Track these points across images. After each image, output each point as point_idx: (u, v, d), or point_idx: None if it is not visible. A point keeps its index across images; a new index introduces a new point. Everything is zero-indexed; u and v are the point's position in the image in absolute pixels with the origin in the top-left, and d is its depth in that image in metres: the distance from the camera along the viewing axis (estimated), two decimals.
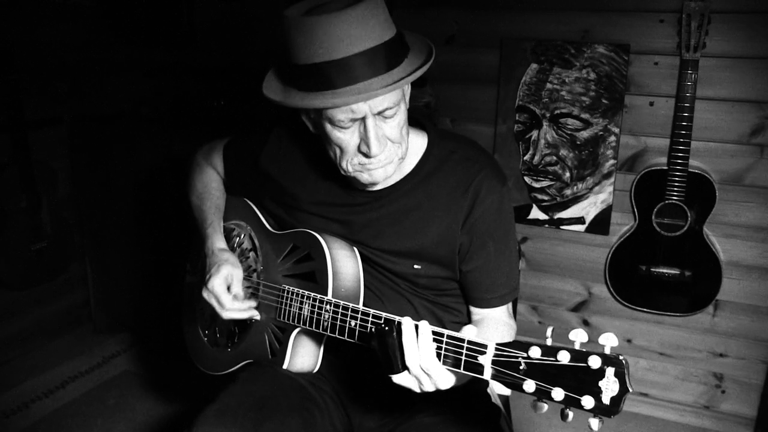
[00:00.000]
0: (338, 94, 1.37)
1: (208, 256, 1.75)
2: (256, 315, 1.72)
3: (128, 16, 3.42)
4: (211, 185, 1.94)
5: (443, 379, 1.32)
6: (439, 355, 1.31)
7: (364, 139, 1.44)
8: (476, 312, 1.72)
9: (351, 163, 1.50)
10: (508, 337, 1.66)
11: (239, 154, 1.90)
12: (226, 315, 1.68)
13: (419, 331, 1.31)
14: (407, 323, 1.32)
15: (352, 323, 1.49)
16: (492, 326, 1.66)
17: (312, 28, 1.35)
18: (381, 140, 1.45)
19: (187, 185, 1.98)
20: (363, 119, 1.42)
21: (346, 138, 1.46)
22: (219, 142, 1.98)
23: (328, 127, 1.46)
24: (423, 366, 1.30)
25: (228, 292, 1.67)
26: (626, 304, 2.94)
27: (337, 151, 1.50)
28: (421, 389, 1.35)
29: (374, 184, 1.56)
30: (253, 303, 1.72)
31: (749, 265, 2.78)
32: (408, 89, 1.57)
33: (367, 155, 1.46)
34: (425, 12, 3.03)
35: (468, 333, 1.29)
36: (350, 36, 1.34)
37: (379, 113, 1.42)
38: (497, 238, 1.63)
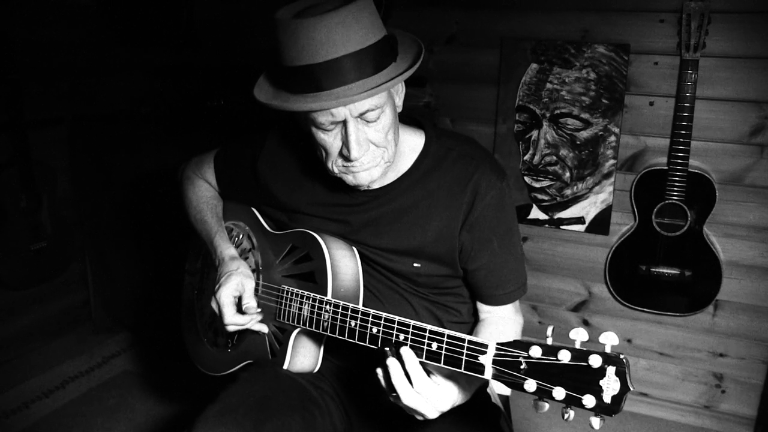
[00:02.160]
0: (318, 97, 1.38)
1: (220, 265, 1.74)
2: (264, 329, 1.72)
3: (128, 16, 3.42)
4: (206, 195, 1.94)
5: (443, 399, 1.36)
6: (439, 356, 1.31)
7: (345, 142, 1.45)
8: (484, 309, 1.72)
9: (336, 165, 1.51)
10: (515, 335, 1.67)
11: (232, 164, 1.90)
12: (227, 329, 1.69)
13: (405, 360, 1.34)
14: (392, 364, 1.35)
15: (352, 323, 1.49)
16: (500, 324, 1.67)
17: (298, 30, 1.36)
18: (362, 144, 1.45)
19: (182, 201, 1.98)
20: (344, 122, 1.43)
21: (329, 140, 1.47)
22: (207, 154, 1.98)
23: (313, 129, 1.48)
24: (419, 392, 1.34)
25: (233, 305, 1.67)
26: (626, 304, 2.94)
27: (322, 152, 1.52)
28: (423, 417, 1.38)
29: (360, 186, 1.56)
30: (256, 318, 1.71)
31: (749, 265, 2.78)
32: (400, 92, 1.57)
33: (347, 158, 1.47)
34: (425, 12, 3.03)
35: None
36: (334, 39, 1.35)
37: (361, 116, 1.43)
38: (500, 234, 1.63)
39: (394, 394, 1.35)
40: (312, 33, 1.34)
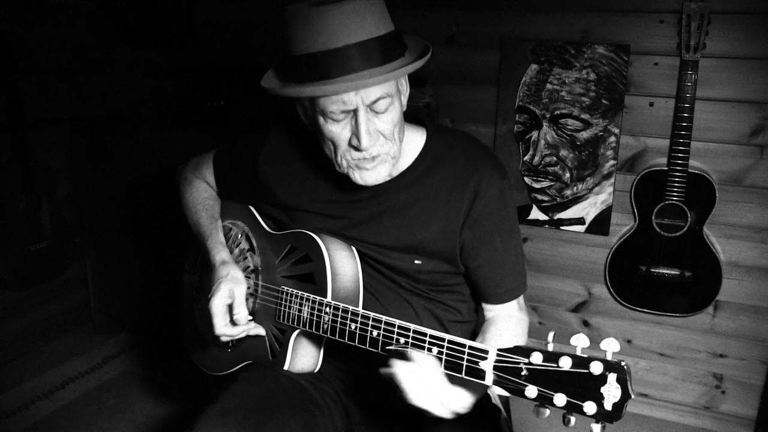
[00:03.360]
0: (331, 83, 1.39)
1: (212, 270, 1.74)
2: (261, 331, 1.72)
3: (128, 16, 3.42)
4: (203, 196, 1.93)
5: (456, 401, 1.33)
6: (439, 361, 1.31)
7: (355, 132, 1.45)
8: (488, 308, 1.72)
9: (344, 158, 1.51)
10: (521, 333, 1.67)
11: (232, 163, 1.90)
12: (221, 339, 1.69)
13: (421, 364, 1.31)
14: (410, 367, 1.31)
15: (352, 326, 1.49)
16: (505, 323, 1.67)
17: (310, 18, 1.38)
18: (372, 134, 1.46)
19: (180, 202, 1.97)
20: (355, 112, 1.43)
21: (338, 131, 1.47)
22: (206, 154, 1.98)
23: (321, 120, 1.48)
24: (433, 396, 1.31)
25: (224, 315, 1.66)
26: (626, 304, 2.94)
27: (331, 146, 1.52)
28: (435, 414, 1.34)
29: (366, 185, 1.56)
30: (248, 328, 1.71)
31: (749, 265, 2.78)
32: (405, 88, 1.58)
33: (357, 148, 1.47)
34: (425, 12, 3.03)
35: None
36: (346, 26, 1.37)
37: (371, 106, 1.44)
38: (502, 231, 1.64)
39: (409, 395, 1.32)
40: (326, 20, 1.37)
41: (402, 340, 1.39)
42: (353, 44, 1.37)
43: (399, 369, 1.32)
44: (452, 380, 1.35)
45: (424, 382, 1.30)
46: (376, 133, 1.47)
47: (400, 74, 1.42)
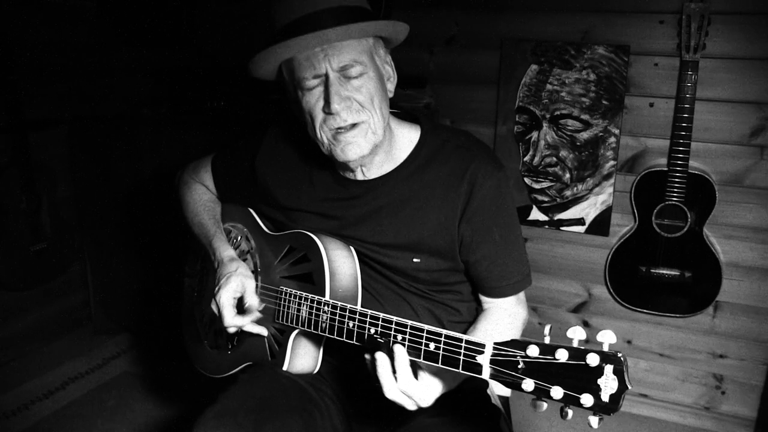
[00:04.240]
0: (297, 38, 1.44)
1: (219, 267, 1.74)
2: (264, 331, 1.72)
3: (128, 17, 3.43)
4: (203, 198, 1.94)
5: (425, 397, 1.39)
6: (437, 356, 1.31)
7: (326, 96, 1.48)
8: (486, 301, 1.72)
9: (323, 131, 1.52)
10: (517, 326, 1.67)
11: (230, 165, 1.91)
12: (228, 330, 1.69)
13: (395, 356, 1.36)
14: (381, 357, 1.37)
15: (350, 324, 1.49)
16: (499, 317, 1.67)
17: None
18: (343, 99, 1.48)
19: (180, 206, 1.99)
20: (326, 77, 1.46)
21: (312, 101, 1.50)
22: (204, 159, 1.99)
23: (300, 95, 1.51)
24: (402, 391, 1.37)
25: (233, 307, 1.67)
26: (626, 305, 2.94)
27: (309, 120, 1.53)
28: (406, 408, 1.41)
29: (349, 161, 1.56)
30: (253, 317, 1.71)
31: (749, 266, 2.78)
32: (392, 77, 1.61)
33: (329, 112, 1.48)
34: (425, 13, 3.03)
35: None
36: None
37: (342, 72, 1.47)
38: (501, 223, 1.63)
39: (378, 384, 1.38)
40: None
41: (372, 329, 1.43)
42: (326, 9, 1.44)
43: (376, 361, 1.37)
44: (416, 372, 1.39)
45: (392, 375, 1.36)
46: (348, 99, 1.49)
47: (365, 27, 1.47)
